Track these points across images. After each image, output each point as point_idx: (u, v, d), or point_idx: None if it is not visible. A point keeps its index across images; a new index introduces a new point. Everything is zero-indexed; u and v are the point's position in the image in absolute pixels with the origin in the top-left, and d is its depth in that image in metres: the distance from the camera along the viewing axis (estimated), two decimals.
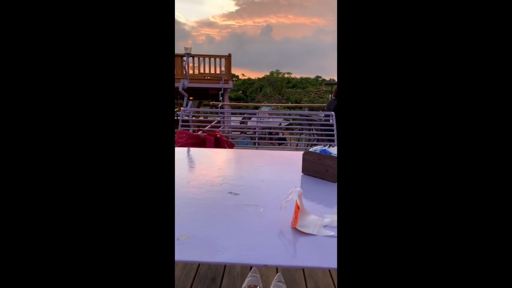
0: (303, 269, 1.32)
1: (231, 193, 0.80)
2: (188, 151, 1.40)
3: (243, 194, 0.79)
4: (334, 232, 0.60)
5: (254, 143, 2.26)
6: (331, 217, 0.66)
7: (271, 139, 3.27)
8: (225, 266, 1.34)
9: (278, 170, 1.06)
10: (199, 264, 1.36)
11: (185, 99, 3.36)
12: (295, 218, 0.63)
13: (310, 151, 0.98)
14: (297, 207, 0.64)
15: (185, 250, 0.53)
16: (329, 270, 1.32)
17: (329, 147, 0.99)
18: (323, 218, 0.65)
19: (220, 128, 2.78)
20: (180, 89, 3.26)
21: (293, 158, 1.20)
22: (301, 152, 1.02)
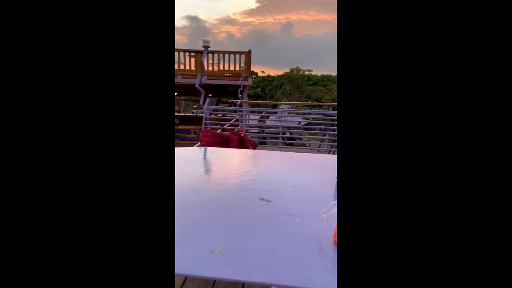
0: None
1: (263, 199, 0.75)
2: (213, 151, 1.37)
3: (275, 201, 0.74)
4: None
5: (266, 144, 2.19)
6: None
7: (290, 139, 3.18)
8: (243, 285, 1.23)
9: (310, 175, 1.00)
10: (214, 283, 1.25)
11: (202, 96, 3.19)
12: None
13: None
14: None
15: (220, 265, 0.48)
16: None
17: None
18: None
19: (238, 127, 2.73)
20: (196, 85, 3.09)
21: (324, 162, 1.13)
22: (331, 156, 0.95)
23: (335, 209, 0.58)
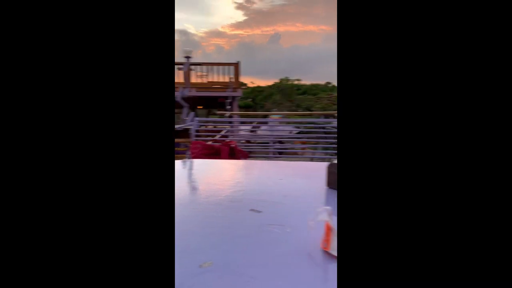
0: None
1: (253, 210, 0.74)
2: (203, 162, 1.36)
3: (266, 212, 0.73)
4: None
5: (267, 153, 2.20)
6: None
7: (282, 148, 3.17)
8: None
9: (300, 183, 1.00)
10: None
11: (185, 109, 2.98)
12: (327, 241, 0.56)
13: (334, 163, 0.91)
14: (328, 228, 0.57)
15: (209, 281, 0.47)
16: None
17: None
18: None
19: (228, 138, 2.70)
20: (178, 99, 2.91)
21: (314, 170, 1.13)
22: (321, 163, 0.96)
23: (322, 216, 0.58)
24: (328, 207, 0.59)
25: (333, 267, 0.52)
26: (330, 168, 0.92)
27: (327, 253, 0.54)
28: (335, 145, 2.42)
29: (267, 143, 2.56)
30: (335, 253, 0.54)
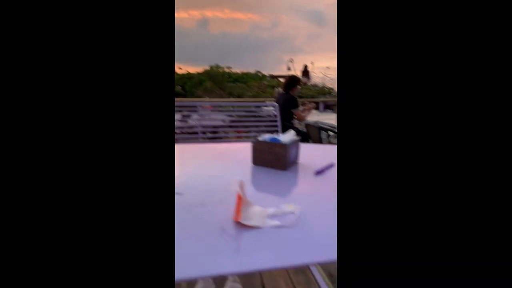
0: (260, 273, 1.26)
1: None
2: None
3: (188, 194, 0.70)
4: (279, 222, 0.57)
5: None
6: (288, 207, 0.62)
7: (213, 137, 3.12)
8: None
9: (227, 164, 0.99)
10: None
11: None
12: (238, 211, 0.56)
13: (260, 140, 0.92)
14: (239, 199, 0.58)
15: None
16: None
17: (278, 134, 0.95)
18: (267, 209, 0.61)
19: None
20: None
21: (241, 150, 1.13)
22: (248, 143, 0.96)
23: (233, 187, 0.58)
24: (239, 179, 0.59)
25: (245, 237, 0.52)
26: (254, 145, 0.93)
27: (238, 224, 0.54)
28: (265, 128, 2.50)
29: (196, 133, 2.47)
30: (246, 222, 0.55)
